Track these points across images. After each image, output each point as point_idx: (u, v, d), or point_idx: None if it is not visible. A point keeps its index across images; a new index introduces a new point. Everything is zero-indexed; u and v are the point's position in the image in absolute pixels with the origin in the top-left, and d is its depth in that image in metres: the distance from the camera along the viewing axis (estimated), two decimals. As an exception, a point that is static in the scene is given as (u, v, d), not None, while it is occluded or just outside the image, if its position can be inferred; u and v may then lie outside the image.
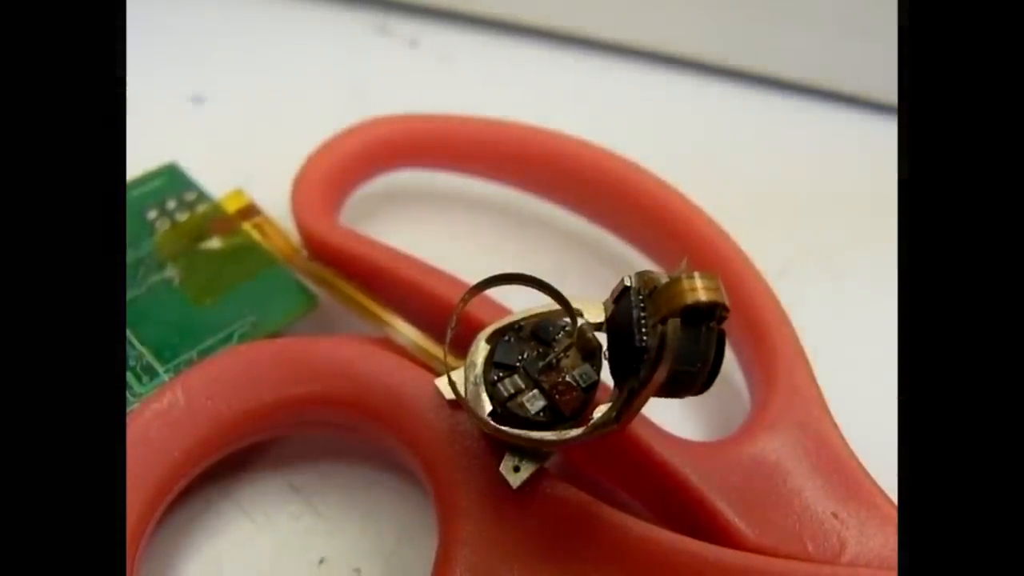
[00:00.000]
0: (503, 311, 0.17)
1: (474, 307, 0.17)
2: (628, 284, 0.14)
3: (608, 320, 0.14)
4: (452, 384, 0.15)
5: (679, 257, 0.20)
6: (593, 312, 0.15)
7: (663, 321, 0.12)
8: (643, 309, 0.13)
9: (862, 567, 0.15)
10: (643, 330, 0.13)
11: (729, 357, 0.19)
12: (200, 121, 0.25)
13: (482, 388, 0.14)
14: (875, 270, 0.23)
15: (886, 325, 0.19)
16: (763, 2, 0.26)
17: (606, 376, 0.14)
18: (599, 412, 0.14)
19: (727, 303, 0.12)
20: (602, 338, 0.14)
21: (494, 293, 0.17)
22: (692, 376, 0.13)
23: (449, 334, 0.14)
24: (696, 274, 0.12)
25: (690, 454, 0.16)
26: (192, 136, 0.24)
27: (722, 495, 0.16)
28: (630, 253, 0.22)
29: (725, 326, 0.13)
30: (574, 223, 0.22)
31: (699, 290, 0.12)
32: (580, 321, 0.14)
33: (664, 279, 0.13)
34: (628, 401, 0.13)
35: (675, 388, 0.13)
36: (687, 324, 0.12)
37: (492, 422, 0.14)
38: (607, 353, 0.14)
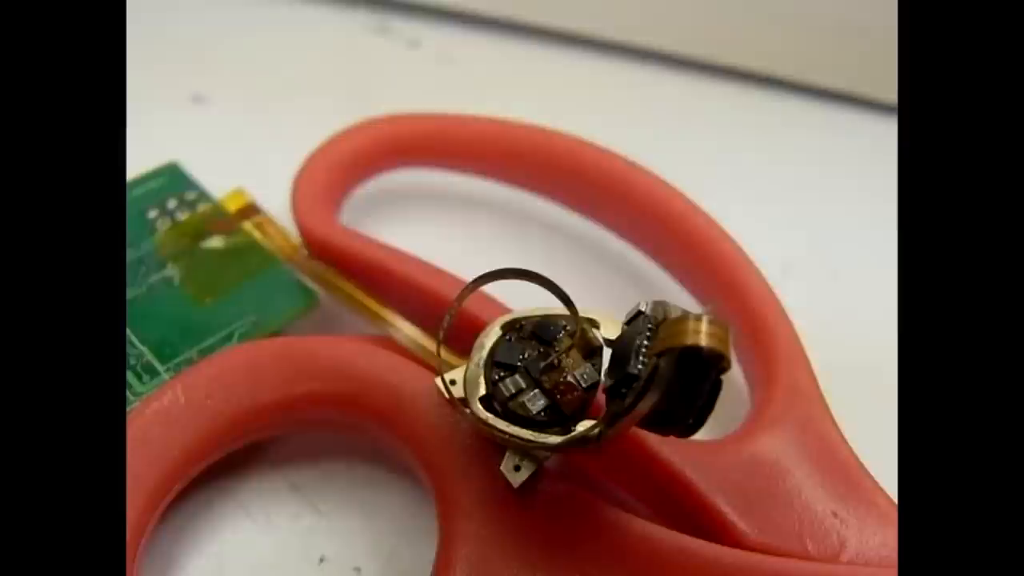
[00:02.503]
0: (504, 310, 0.17)
1: (475, 306, 0.17)
2: (642, 309, 0.14)
3: (616, 339, 0.14)
4: (445, 384, 0.15)
5: (680, 257, 0.20)
6: (610, 328, 0.15)
7: (660, 354, 0.12)
8: (648, 338, 0.13)
9: (862, 566, 0.15)
10: (640, 358, 0.13)
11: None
12: (201, 120, 0.25)
13: (482, 372, 0.14)
14: (875, 269, 0.23)
15: (886, 324, 0.19)
16: (764, 2, 0.26)
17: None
18: (583, 426, 0.14)
19: (728, 355, 0.12)
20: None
21: (497, 294, 0.17)
22: (676, 416, 0.12)
23: (447, 320, 0.14)
24: (705, 318, 0.12)
25: (690, 453, 0.16)
26: (193, 135, 0.24)
27: (722, 494, 0.16)
28: (631, 253, 0.22)
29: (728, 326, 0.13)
30: (575, 223, 0.22)
31: (702, 334, 0.12)
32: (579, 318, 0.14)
33: (676, 313, 0.13)
34: (610, 424, 0.13)
35: (659, 423, 0.13)
36: (682, 364, 0.12)
37: (482, 409, 0.14)
38: (607, 371, 0.14)
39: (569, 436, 0.14)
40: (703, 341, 0.12)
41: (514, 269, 0.14)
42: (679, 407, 0.12)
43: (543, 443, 0.14)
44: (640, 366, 0.13)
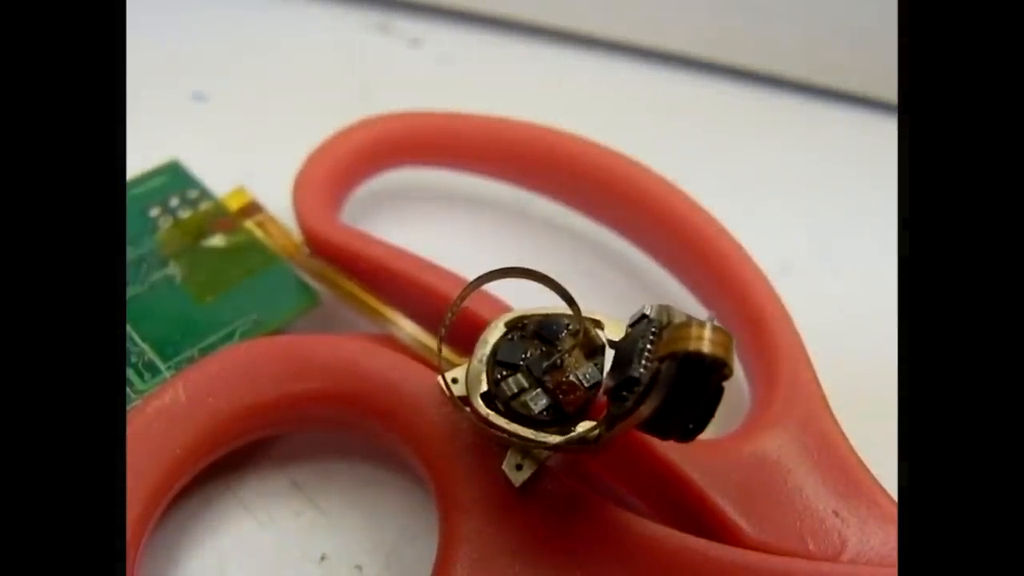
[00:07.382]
0: (506, 309, 0.17)
1: (477, 305, 0.17)
2: (646, 312, 0.14)
3: (619, 341, 0.14)
4: (447, 383, 0.15)
5: (681, 255, 0.20)
6: (614, 330, 0.15)
7: (663, 359, 0.12)
8: (651, 341, 0.13)
9: (862, 565, 0.15)
10: (642, 361, 0.13)
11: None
12: (202, 119, 0.25)
13: (484, 368, 0.14)
14: (875, 268, 0.23)
15: (886, 322, 0.19)
16: (765, 2, 0.26)
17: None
18: (583, 427, 0.14)
19: (731, 363, 0.12)
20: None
21: (499, 294, 0.17)
22: (676, 421, 0.13)
23: (448, 318, 0.14)
24: (709, 325, 0.12)
25: (691, 451, 0.16)
26: (194, 134, 0.24)
27: (723, 493, 0.16)
28: (631, 251, 0.22)
29: (725, 318, 0.13)
30: (576, 221, 0.22)
31: (705, 341, 0.12)
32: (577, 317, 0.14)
33: (680, 318, 0.13)
34: (610, 426, 0.13)
35: (659, 427, 0.13)
36: (684, 370, 0.12)
37: (483, 406, 0.14)
38: (609, 373, 0.14)
39: (568, 436, 0.14)
40: (706, 348, 0.12)
41: (517, 268, 0.14)
42: (679, 412, 0.12)
43: (542, 442, 0.14)
44: (642, 369, 0.13)
